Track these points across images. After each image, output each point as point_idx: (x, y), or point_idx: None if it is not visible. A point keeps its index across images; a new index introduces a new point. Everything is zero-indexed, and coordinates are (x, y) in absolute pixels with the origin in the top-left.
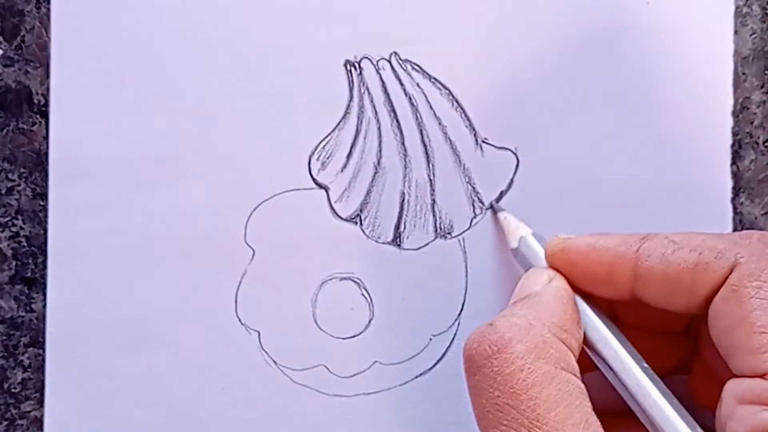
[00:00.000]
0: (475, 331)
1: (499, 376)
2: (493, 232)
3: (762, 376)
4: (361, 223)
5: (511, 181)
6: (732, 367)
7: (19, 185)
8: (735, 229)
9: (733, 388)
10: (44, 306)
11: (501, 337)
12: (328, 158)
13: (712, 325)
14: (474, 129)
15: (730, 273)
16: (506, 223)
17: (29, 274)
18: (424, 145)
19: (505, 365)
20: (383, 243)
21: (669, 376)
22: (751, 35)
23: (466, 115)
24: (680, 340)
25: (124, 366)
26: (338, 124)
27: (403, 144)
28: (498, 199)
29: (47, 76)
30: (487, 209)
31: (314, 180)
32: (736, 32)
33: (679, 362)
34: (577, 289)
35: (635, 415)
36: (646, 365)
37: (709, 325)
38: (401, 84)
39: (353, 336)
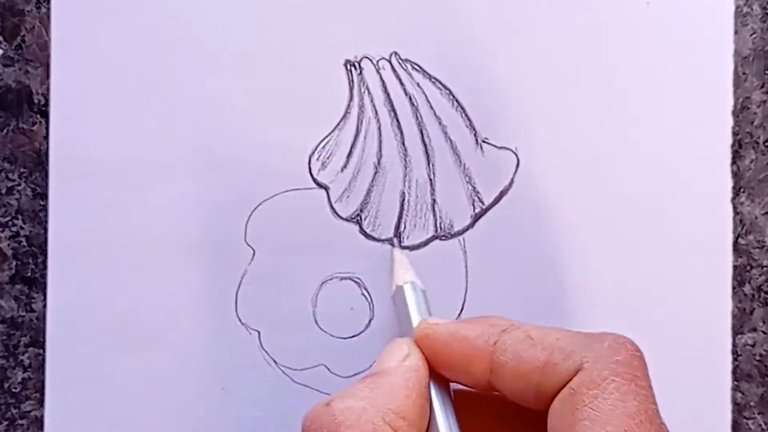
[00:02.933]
0: (313, 407)
1: None
2: (493, 233)
3: None
4: (361, 223)
5: (511, 181)
6: None
7: (19, 185)
8: (735, 229)
9: None
10: (44, 306)
11: (332, 421)
12: (328, 158)
13: (549, 423)
14: (474, 129)
15: (574, 376)
16: (394, 265)
17: (29, 274)
18: (424, 145)
19: None
20: (383, 242)
21: None
22: (751, 35)
23: (466, 115)
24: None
25: (124, 366)
26: (338, 124)
27: (403, 144)
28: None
29: (47, 76)
30: (389, 242)
31: (314, 180)
32: (736, 32)
33: None
34: (438, 374)
35: None
36: None
37: (548, 424)
38: (401, 84)
39: (353, 336)
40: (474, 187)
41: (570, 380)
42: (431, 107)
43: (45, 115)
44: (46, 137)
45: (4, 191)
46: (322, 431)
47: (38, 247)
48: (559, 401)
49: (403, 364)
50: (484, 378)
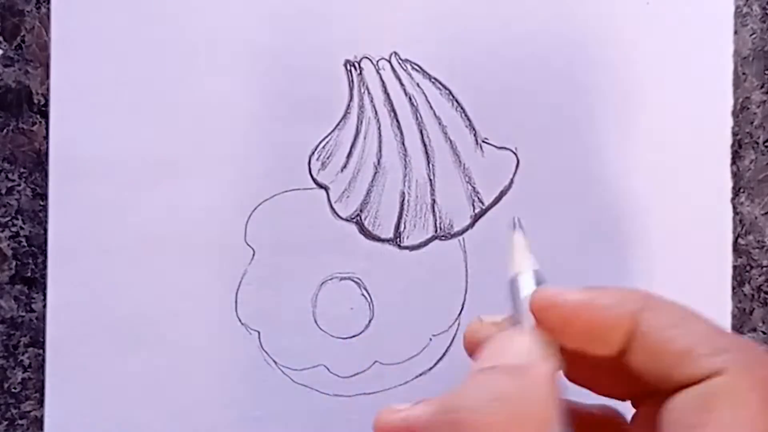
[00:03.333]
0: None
1: None
2: (492, 233)
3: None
4: (361, 223)
5: (511, 181)
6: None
7: (19, 185)
8: (735, 229)
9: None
10: (44, 306)
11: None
12: (328, 158)
13: (667, 415)
14: (474, 129)
15: (713, 375)
16: (512, 249)
17: (29, 274)
18: (424, 145)
19: None
20: (383, 242)
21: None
22: (751, 35)
23: (466, 115)
24: None
25: (124, 366)
26: (338, 124)
27: (403, 144)
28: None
29: (47, 76)
30: (513, 223)
31: (314, 180)
32: (736, 32)
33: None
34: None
35: None
36: None
37: (664, 414)
38: (401, 84)
39: (353, 336)
40: (474, 187)
41: (707, 378)
42: (431, 107)
43: (45, 115)
44: (46, 137)
45: (4, 191)
46: None
47: (38, 247)
48: (690, 396)
49: (538, 371)
50: (615, 350)
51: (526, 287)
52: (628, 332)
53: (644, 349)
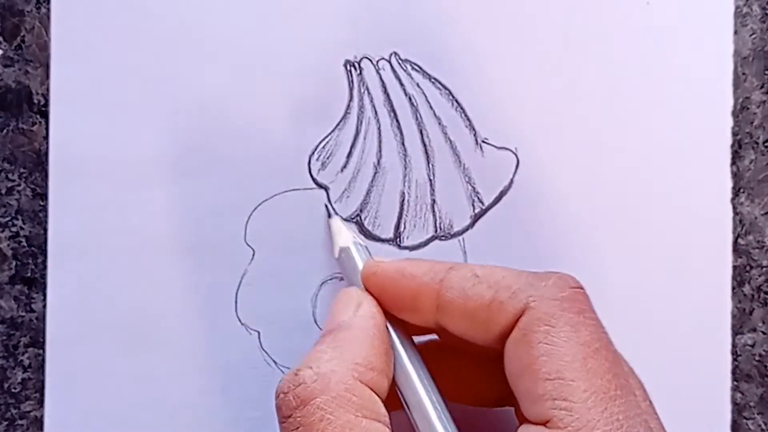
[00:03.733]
0: (284, 378)
1: (302, 426)
2: (492, 233)
3: (545, 424)
4: (361, 223)
5: (511, 181)
6: (523, 412)
7: (19, 185)
8: (735, 229)
9: None
10: (44, 306)
11: (305, 389)
12: (328, 158)
13: (506, 368)
14: (474, 129)
15: (522, 315)
16: (333, 230)
17: (29, 274)
18: (424, 145)
19: (308, 416)
20: (383, 243)
21: (499, 406)
22: (751, 35)
23: (466, 115)
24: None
25: (124, 366)
26: (338, 124)
27: (403, 144)
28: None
29: (47, 76)
30: (327, 212)
31: (314, 180)
32: (736, 32)
33: (505, 392)
34: (388, 313)
35: None
36: (444, 408)
37: (504, 368)
38: (401, 84)
39: None
40: (474, 187)
41: (517, 319)
42: (431, 107)
43: (45, 115)
44: (46, 137)
45: (4, 191)
46: (296, 401)
47: (38, 247)
48: (513, 344)
49: (358, 314)
50: (432, 316)
51: (356, 257)
52: (435, 299)
53: (453, 312)
